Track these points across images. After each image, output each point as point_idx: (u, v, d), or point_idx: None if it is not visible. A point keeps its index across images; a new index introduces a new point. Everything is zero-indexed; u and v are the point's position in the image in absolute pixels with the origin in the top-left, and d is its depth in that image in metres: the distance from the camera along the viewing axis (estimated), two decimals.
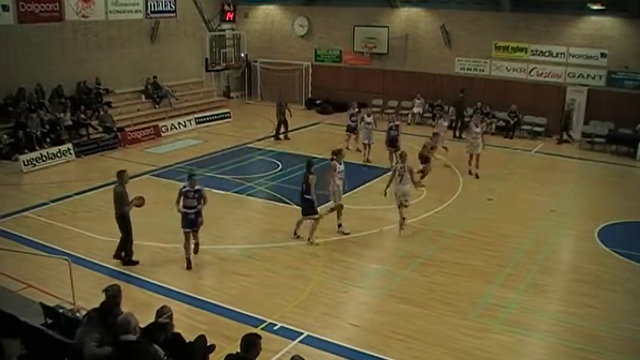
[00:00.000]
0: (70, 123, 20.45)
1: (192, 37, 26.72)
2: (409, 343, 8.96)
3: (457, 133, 22.30)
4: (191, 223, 11.33)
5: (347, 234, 12.92)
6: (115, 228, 13.21)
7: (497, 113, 23.12)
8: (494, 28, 23.40)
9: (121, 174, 11.40)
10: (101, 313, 6.62)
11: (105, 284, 7.15)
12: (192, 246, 11.54)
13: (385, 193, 13.07)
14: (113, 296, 6.85)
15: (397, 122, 18.24)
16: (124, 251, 11.53)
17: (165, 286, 10.56)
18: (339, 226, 13.04)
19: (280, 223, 13.75)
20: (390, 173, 13.75)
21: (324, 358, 8.59)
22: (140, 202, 11.40)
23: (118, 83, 23.50)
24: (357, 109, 20.09)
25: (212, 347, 7.53)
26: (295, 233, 12.73)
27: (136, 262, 11.46)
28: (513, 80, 23.28)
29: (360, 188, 15.87)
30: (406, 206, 13.00)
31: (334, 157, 12.94)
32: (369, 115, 18.92)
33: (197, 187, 11.33)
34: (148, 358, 5.98)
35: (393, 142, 17.84)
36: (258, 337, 6.24)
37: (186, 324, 8.95)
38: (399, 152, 15.04)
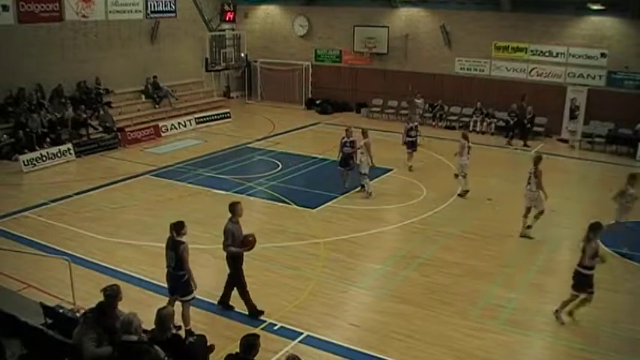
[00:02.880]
0: (73, 115, 20.44)
1: (192, 37, 26.72)
2: (409, 343, 8.96)
3: (523, 142, 21.38)
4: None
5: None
6: (115, 228, 13.29)
7: (497, 113, 23.14)
8: (494, 28, 23.39)
9: (232, 207, 9.45)
10: (97, 313, 6.62)
11: (105, 284, 7.14)
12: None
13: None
14: (111, 296, 6.82)
15: (353, 137, 15.54)
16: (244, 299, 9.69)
17: (165, 285, 10.53)
18: (529, 227, 13.04)
19: (280, 223, 13.75)
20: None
21: (324, 358, 8.59)
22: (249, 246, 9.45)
23: (118, 83, 23.49)
24: (415, 123, 18.19)
25: (212, 347, 7.55)
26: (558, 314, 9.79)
27: (261, 312, 9.64)
28: (513, 80, 23.29)
29: (359, 188, 15.85)
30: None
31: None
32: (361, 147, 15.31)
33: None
34: (148, 359, 5.99)
35: (347, 161, 15.61)
36: (258, 337, 6.28)
37: None
38: (362, 130, 15.62)
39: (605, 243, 12.70)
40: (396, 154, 18.17)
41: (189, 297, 8.90)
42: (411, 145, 17.81)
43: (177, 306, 8.88)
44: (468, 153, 15.38)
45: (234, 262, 9.44)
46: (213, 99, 27.19)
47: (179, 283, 8.81)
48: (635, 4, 20.52)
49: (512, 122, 22.48)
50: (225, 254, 9.48)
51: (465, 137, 15.70)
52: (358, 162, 15.41)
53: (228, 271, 9.58)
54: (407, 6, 25.13)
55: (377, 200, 15.16)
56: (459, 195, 15.53)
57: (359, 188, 15.68)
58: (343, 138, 15.63)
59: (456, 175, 15.72)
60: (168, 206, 14.47)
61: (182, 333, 8.64)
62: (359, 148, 15.30)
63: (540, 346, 9.19)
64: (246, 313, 9.59)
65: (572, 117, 21.73)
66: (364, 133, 15.40)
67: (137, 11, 22.62)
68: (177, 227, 8.69)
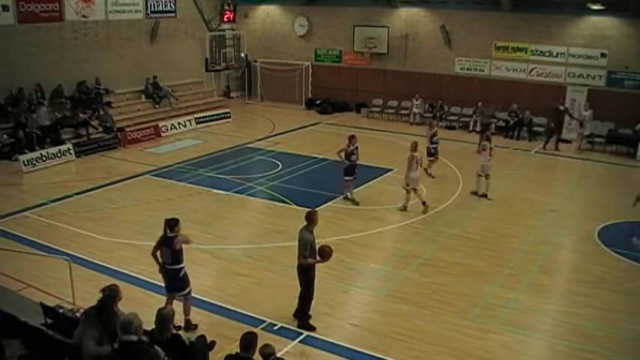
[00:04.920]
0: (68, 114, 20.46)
1: (192, 37, 26.73)
2: (409, 343, 8.96)
3: (557, 146, 20.90)
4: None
5: None
6: (115, 228, 13.29)
7: (498, 113, 23.11)
8: (494, 28, 23.39)
9: (309, 215, 9.33)
10: (98, 311, 6.63)
11: (105, 284, 7.14)
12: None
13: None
14: (110, 296, 6.83)
15: (357, 144, 14.72)
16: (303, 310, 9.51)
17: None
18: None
19: (280, 223, 13.74)
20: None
21: (324, 358, 8.59)
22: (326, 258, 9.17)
23: (118, 83, 23.49)
24: (436, 129, 17.18)
25: (212, 344, 7.54)
26: None
27: (312, 328, 9.28)
28: (513, 80, 23.28)
29: (359, 188, 15.85)
30: (416, 190, 14.49)
31: None
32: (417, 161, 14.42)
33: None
34: (148, 359, 5.99)
35: (351, 171, 14.78)
36: (256, 335, 6.30)
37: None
38: (413, 142, 14.69)
39: (606, 243, 12.76)
40: (396, 154, 18.16)
41: (185, 291, 8.98)
42: (434, 152, 17.05)
43: (177, 305, 8.89)
44: (490, 155, 15.31)
45: (308, 272, 9.18)
46: (213, 99, 27.18)
47: (175, 278, 8.84)
48: (635, 4, 20.53)
49: (512, 122, 22.52)
50: (297, 264, 9.20)
51: (488, 138, 15.68)
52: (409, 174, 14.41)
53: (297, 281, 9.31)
54: (407, 6, 25.13)
55: (377, 200, 15.15)
56: (478, 195, 15.43)
57: (401, 205, 14.62)
58: (349, 146, 14.51)
59: (487, 176, 15.47)
60: (168, 206, 14.46)
61: (181, 331, 8.66)
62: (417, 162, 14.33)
63: (540, 346, 9.18)
64: (251, 314, 9.58)
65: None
66: (414, 147, 14.46)
67: (137, 11, 22.67)
68: (172, 224, 8.72)
